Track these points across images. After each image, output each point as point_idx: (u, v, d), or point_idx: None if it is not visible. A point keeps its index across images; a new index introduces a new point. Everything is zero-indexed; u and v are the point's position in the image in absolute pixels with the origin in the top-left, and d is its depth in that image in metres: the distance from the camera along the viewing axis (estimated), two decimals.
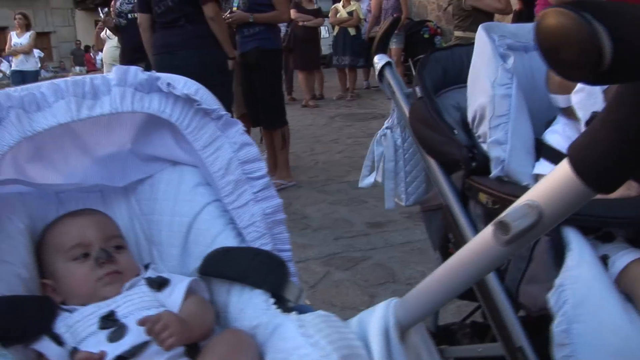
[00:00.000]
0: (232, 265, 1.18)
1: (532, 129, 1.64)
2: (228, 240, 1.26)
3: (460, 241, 1.70)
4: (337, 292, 3.28)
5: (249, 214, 1.25)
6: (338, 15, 10.59)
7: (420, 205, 2.17)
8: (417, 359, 0.93)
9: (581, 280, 1.35)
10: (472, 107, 1.69)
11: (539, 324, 1.53)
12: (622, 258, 1.43)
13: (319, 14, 10.33)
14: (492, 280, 1.57)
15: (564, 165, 0.63)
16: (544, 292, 1.41)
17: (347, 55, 10.36)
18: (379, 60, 2.15)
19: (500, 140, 1.57)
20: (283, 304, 1.11)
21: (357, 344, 0.90)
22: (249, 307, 1.12)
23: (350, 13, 10.45)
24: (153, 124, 1.34)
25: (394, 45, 9.74)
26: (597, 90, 1.51)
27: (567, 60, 0.50)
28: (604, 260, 1.45)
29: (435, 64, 2.00)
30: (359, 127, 8.13)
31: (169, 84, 1.26)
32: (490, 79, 1.59)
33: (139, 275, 1.26)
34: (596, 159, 0.60)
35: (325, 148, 6.80)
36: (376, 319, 0.91)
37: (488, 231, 0.73)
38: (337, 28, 10.66)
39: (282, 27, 9.02)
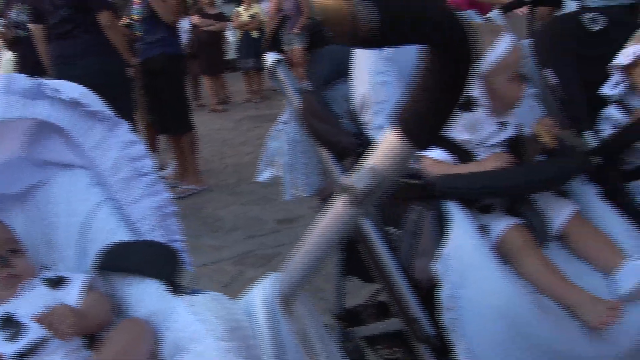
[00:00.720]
0: (127, 258, 1.22)
1: None
2: (123, 235, 1.30)
3: (356, 224, 1.78)
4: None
5: (140, 208, 1.30)
6: (239, 19, 10.61)
7: (317, 195, 2.25)
8: (303, 328, 0.99)
9: (463, 249, 1.45)
10: (356, 96, 1.77)
11: (433, 295, 1.64)
12: (498, 226, 1.55)
13: (221, 18, 10.32)
14: (387, 258, 1.66)
15: (391, 130, 0.72)
16: (432, 264, 1.51)
17: (251, 57, 10.38)
18: (269, 58, 2.22)
19: (382, 125, 1.66)
20: (178, 291, 1.16)
21: (243, 318, 0.96)
22: (145, 296, 1.17)
23: (252, 16, 10.48)
24: (43, 129, 1.36)
25: (296, 45, 9.83)
26: None
27: (343, 31, 0.58)
28: (484, 229, 1.57)
29: (326, 57, 2.08)
30: (267, 128, 8.04)
31: (55, 90, 1.29)
32: (369, 69, 1.68)
33: (36, 276, 1.28)
34: (412, 119, 0.69)
35: (235, 151, 6.82)
36: (259, 293, 0.97)
37: (340, 198, 0.82)
38: (239, 32, 10.68)
39: (185, 33, 8.98)
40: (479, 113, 1.64)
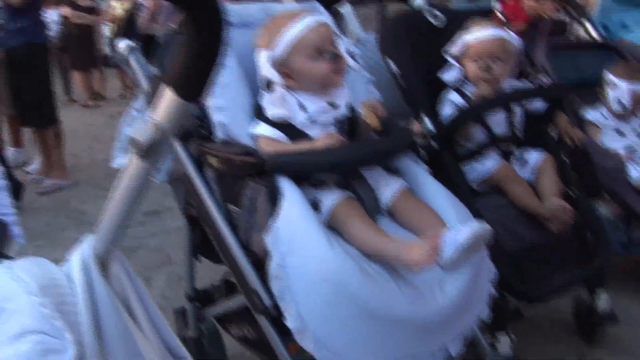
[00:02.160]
0: None
1: (251, 96, 1.83)
2: None
3: (200, 204, 1.85)
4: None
5: None
6: (114, 13, 10.36)
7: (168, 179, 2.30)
8: (121, 287, 1.06)
9: (292, 220, 1.56)
10: None
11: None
12: (328, 198, 1.67)
13: (95, 11, 10.04)
14: (227, 233, 1.74)
15: (167, 88, 0.82)
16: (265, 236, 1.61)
17: None
18: (121, 45, 2.24)
19: (221, 105, 1.74)
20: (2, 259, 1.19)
21: (60, 277, 1.01)
22: None
23: (126, 11, 10.27)
24: None
25: None
26: None
27: None
28: (317, 203, 1.68)
29: (172, 43, 2.12)
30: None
31: None
32: None
33: None
34: (179, 74, 0.78)
35: (105, 146, 6.68)
36: (76, 255, 1.03)
37: (132, 153, 0.90)
38: (115, 25, 10.42)
39: (55, 25, 8.68)
40: (278, 91, 1.76)
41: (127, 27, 2.21)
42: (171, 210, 4.37)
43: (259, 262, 1.70)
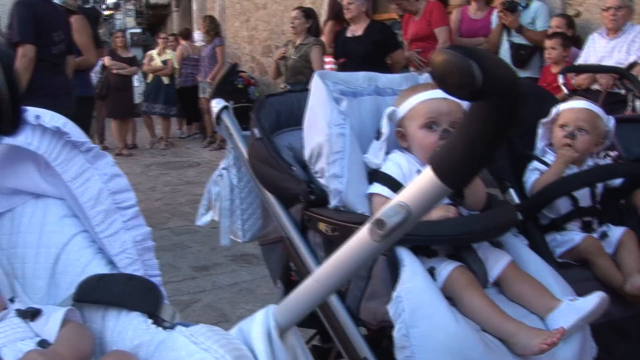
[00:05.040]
0: (107, 290, 1.23)
1: (364, 163, 1.86)
2: (99, 268, 1.31)
3: (302, 268, 1.85)
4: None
5: (120, 241, 1.31)
6: (152, 63, 10.58)
7: (258, 240, 2.31)
8: (294, 358, 1.05)
9: (415, 290, 1.56)
10: (309, 145, 1.86)
11: (377, 336, 1.72)
12: (445, 268, 1.68)
13: (134, 62, 10.27)
14: (335, 301, 1.73)
15: (427, 171, 0.81)
16: (383, 306, 1.61)
17: (159, 103, 10.35)
18: (216, 104, 2.29)
19: (338, 174, 1.76)
20: (160, 324, 1.18)
21: (243, 347, 1.00)
22: (129, 328, 1.18)
23: (164, 62, 10.49)
24: (15, 156, 1.36)
25: (206, 95, 9.89)
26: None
27: (453, 83, 0.69)
28: (431, 272, 1.68)
29: (269, 107, 2.16)
30: (176, 175, 8.16)
31: (37, 116, 1.30)
32: (326, 120, 1.78)
33: (6, 308, 1.25)
34: (452, 163, 0.79)
35: (144, 196, 6.73)
36: (257, 323, 1.02)
37: (364, 230, 0.89)
38: (150, 76, 10.62)
39: (95, 74, 8.85)
40: (383, 140, 1.88)
41: (221, 86, 2.25)
42: (220, 265, 4.39)
43: (366, 329, 1.70)
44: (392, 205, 0.84)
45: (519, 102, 0.73)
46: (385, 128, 1.88)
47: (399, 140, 1.92)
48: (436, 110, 1.83)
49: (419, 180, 0.84)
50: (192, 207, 6.17)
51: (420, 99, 1.87)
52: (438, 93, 1.82)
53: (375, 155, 1.88)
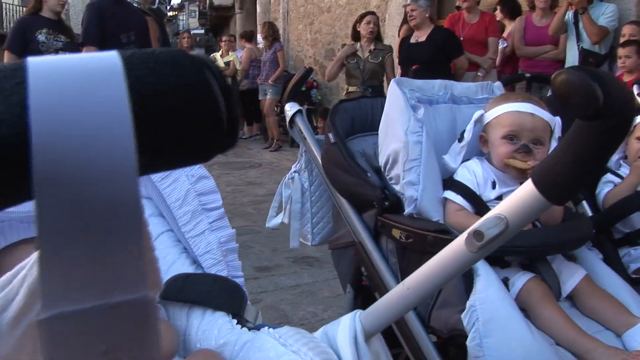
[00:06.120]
0: (193, 290, 1.27)
1: (440, 171, 1.86)
2: (184, 267, 1.35)
3: (374, 274, 1.86)
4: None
5: (205, 242, 1.35)
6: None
7: (329, 243, 2.33)
8: None
9: (489, 300, 1.55)
10: (385, 152, 1.88)
11: (447, 345, 1.72)
12: (520, 279, 1.67)
13: None
14: None
15: (528, 185, 0.82)
16: (455, 314, 1.61)
17: None
18: (290, 108, 2.32)
19: (413, 181, 1.77)
20: (244, 324, 1.22)
21: (330, 351, 1.02)
22: (214, 327, 1.21)
23: (227, 63, 10.64)
24: None
25: (269, 96, 9.99)
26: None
27: (575, 103, 0.71)
28: (505, 282, 1.67)
29: (344, 113, 2.18)
30: (238, 176, 8.27)
31: None
32: (404, 127, 1.80)
33: None
34: (556, 178, 0.79)
35: None
36: (344, 327, 1.04)
37: (460, 240, 0.90)
38: None
39: None
40: (464, 144, 1.90)
41: (294, 90, 2.28)
42: (281, 266, 4.43)
43: (437, 337, 1.70)
44: (490, 216, 0.85)
45: (631, 123, 0.74)
46: (468, 132, 1.90)
47: (481, 144, 1.94)
48: (520, 123, 1.83)
49: (518, 193, 0.84)
50: (253, 208, 6.26)
51: (507, 109, 1.88)
52: (526, 107, 1.82)
53: (453, 159, 1.90)
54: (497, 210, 0.86)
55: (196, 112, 0.39)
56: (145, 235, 0.34)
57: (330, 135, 2.06)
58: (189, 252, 1.38)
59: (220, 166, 8.96)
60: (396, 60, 6.70)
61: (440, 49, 5.90)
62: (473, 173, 1.86)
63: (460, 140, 1.92)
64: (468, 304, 1.56)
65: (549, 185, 0.80)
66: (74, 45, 5.10)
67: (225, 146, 0.41)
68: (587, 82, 0.70)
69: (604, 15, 5.45)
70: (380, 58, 6.69)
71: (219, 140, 0.40)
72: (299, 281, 4.16)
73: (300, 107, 2.32)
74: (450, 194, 1.84)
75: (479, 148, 1.97)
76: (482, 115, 1.92)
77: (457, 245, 0.90)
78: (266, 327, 1.14)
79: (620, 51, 5.12)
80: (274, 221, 2.46)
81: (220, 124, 0.39)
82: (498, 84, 2.75)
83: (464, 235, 0.89)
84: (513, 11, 6.65)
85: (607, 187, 2.41)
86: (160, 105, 0.37)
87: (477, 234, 0.85)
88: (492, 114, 1.91)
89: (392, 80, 1.95)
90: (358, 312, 1.06)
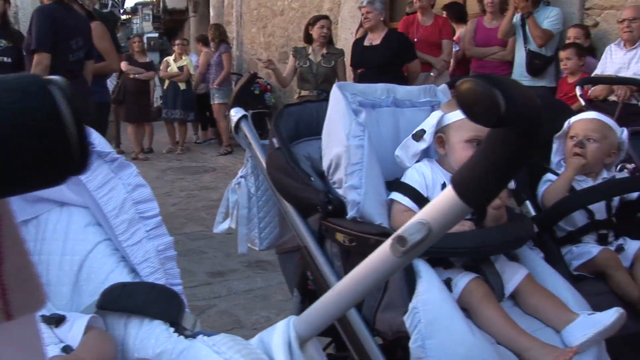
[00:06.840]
0: (130, 299, 1.25)
1: (382, 175, 1.87)
2: (122, 276, 1.33)
3: (319, 278, 1.87)
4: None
5: (142, 250, 1.34)
6: (169, 69, 10.63)
7: (275, 248, 2.33)
8: None
9: (431, 302, 1.57)
10: (328, 156, 1.88)
11: (392, 347, 1.74)
12: (462, 280, 1.70)
13: (151, 67, 10.33)
14: (351, 310, 1.75)
15: (448, 191, 0.83)
16: (399, 317, 1.62)
17: (178, 109, 10.41)
18: (235, 113, 2.31)
19: (356, 185, 1.77)
20: (182, 332, 1.21)
21: (265, 357, 1.02)
22: (151, 336, 1.20)
23: (180, 68, 10.54)
24: None
25: (216, 100, 9.91)
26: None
27: (478, 112, 0.72)
28: (447, 283, 1.70)
29: (288, 117, 2.18)
30: (192, 181, 8.20)
31: None
32: (345, 132, 1.80)
33: None
34: (474, 184, 0.81)
35: (159, 201, 6.64)
36: (278, 333, 1.04)
37: (385, 246, 0.91)
38: (167, 82, 10.68)
39: (111, 79, 8.92)
40: (425, 147, 1.91)
41: (240, 95, 2.27)
42: (235, 271, 4.41)
43: (381, 339, 1.72)
44: (413, 222, 0.86)
45: (539, 128, 0.75)
46: (429, 134, 1.90)
47: (437, 145, 1.94)
48: (484, 129, 1.83)
49: (440, 199, 0.86)
50: (207, 213, 6.21)
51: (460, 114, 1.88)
52: None
53: (408, 157, 1.92)
54: (420, 215, 0.87)
55: (42, 136, 0.39)
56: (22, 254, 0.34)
57: (274, 140, 2.05)
58: (126, 261, 1.37)
59: (174, 171, 8.89)
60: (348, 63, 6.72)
61: (395, 52, 5.93)
62: (422, 175, 1.87)
63: (417, 139, 1.92)
64: (410, 306, 1.58)
65: (467, 190, 0.81)
66: (15, 50, 4.99)
67: (77, 167, 0.41)
68: (489, 90, 0.72)
69: (548, 18, 5.56)
70: (333, 62, 6.68)
71: (69, 163, 0.41)
72: (252, 285, 4.15)
73: (245, 113, 2.31)
74: (397, 196, 1.85)
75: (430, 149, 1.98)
76: (443, 116, 1.92)
77: (382, 251, 0.91)
78: (201, 335, 1.14)
79: (562, 54, 5.23)
80: (221, 227, 2.44)
81: (68, 146, 0.39)
82: (443, 87, 2.79)
83: (389, 241, 0.90)
84: (458, 15, 6.77)
85: (545, 186, 2.46)
86: (4, 130, 0.37)
87: (401, 240, 0.86)
88: (454, 116, 1.90)
89: (334, 84, 1.96)
90: (292, 318, 1.06)
